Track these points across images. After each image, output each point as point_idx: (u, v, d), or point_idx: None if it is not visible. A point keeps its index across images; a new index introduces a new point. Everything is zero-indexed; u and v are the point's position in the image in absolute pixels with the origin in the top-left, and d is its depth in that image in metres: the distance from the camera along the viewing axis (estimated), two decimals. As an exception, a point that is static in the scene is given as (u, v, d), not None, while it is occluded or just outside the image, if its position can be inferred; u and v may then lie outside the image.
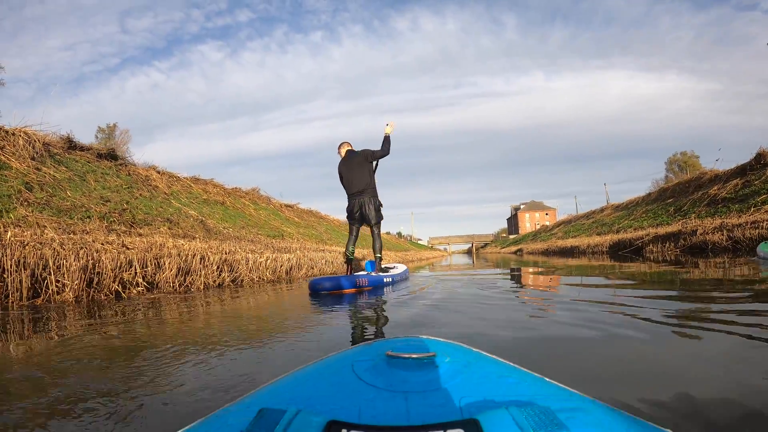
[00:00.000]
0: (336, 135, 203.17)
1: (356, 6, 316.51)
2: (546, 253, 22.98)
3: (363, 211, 5.22)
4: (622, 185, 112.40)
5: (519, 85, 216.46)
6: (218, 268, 5.64)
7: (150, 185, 10.10)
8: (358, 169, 5.23)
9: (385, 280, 5.17)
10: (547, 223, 60.04)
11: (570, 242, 21.30)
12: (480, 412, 0.55)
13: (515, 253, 32.41)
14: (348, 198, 5.33)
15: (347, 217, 5.43)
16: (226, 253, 6.14)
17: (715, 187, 14.06)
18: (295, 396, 0.66)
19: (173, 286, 4.92)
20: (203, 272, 5.29)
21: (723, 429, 0.90)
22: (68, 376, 1.47)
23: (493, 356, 0.77)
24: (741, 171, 13.49)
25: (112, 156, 9.96)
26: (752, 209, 10.28)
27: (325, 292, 4.31)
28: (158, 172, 11.30)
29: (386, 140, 5.24)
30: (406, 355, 0.73)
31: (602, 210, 27.97)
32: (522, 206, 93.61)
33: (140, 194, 8.98)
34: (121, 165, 10.01)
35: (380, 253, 5.45)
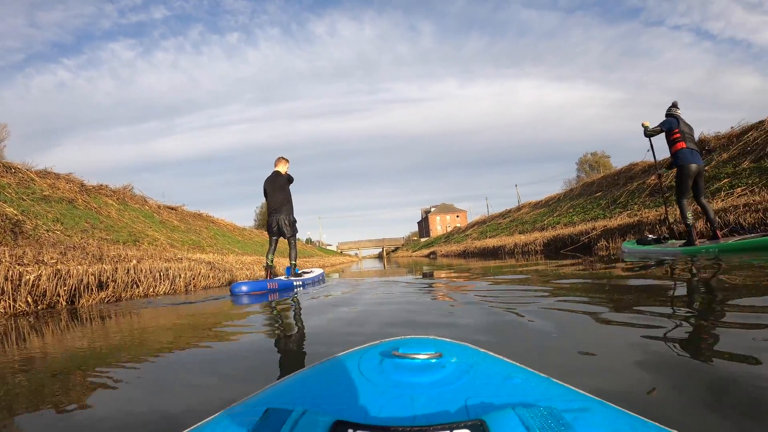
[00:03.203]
0: (251, 140, 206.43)
1: (275, 8, 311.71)
2: (464, 254, 22.67)
3: (280, 225, 6.41)
4: (533, 186, 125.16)
5: (433, 91, 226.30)
6: None
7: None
8: (279, 191, 6.48)
9: (295, 283, 6.24)
10: (459, 225, 61.86)
11: (491, 242, 20.23)
12: (486, 412, 0.56)
13: (428, 256, 32.51)
14: (268, 214, 6.58)
15: (267, 231, 6.66)
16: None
17: (652, 177, 12.69)
18: (302, 396, 0.68)
19: None
20: None
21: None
22: None
23: (500, 356, 0.80)
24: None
25: None
26: (723, 194, 8.62)
27: (240, 294, 5.19)
28: (-15, 162, 9.73)
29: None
30: (413, 355, 0.74)
31: (519, 209, 28.51)
32: (432, 209, 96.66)
33: (-65, 187, 7.23)
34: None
35: (295, 261, 6.77)
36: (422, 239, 76.04)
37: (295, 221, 6.57)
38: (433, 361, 0.72)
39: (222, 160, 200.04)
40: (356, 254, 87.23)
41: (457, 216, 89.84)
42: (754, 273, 3.33)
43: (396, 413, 0.61)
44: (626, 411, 0.58)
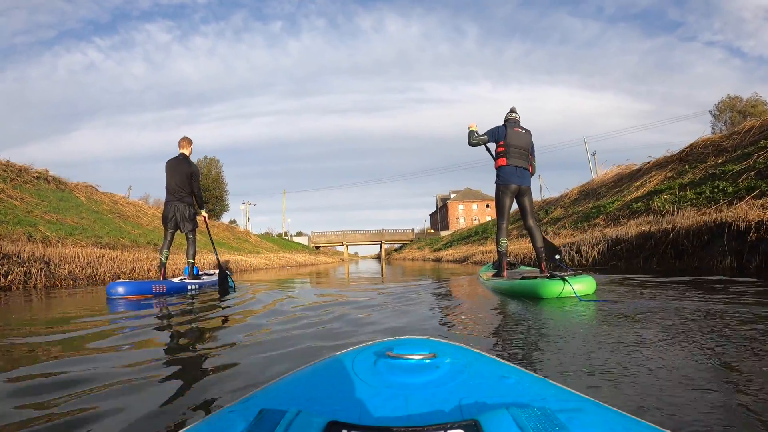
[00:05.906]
0: (275, 133, 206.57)
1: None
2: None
3: (177, 217, 5.83)
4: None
5: (465, 93, 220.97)
6: None
7: None
8: (181, 177, 5.83)
9: (189, 287, 5.77)
10: (489, 218, 48.94)
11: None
12: (480, 412, 0.58)
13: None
14: (165, 201, 5.97)
15: (162, 222, 6.03)
16: None
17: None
18: (296, 396, 0.69)
19: None
20: None
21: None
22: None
23: (494, 357, 0.82)
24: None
25: None
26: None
27: (116, 296, 4.68)
28: None
29: (201, 203, 6.22)
30: (407, 356, 0.76)
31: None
32: (453, 195, 77.85)
33: None
34: None
35: (193, 259, 6.13)
36: (443, 233, 55.00)
37: (195, 214, 6.05)
38: (427, 361, 0.74)
39: (243, 153, 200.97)
40: (357, 252, 72.92)
41: (487, 205, 69.44)
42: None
43: (390, 413, 0.62)
44: (619, 411, 0.60)
